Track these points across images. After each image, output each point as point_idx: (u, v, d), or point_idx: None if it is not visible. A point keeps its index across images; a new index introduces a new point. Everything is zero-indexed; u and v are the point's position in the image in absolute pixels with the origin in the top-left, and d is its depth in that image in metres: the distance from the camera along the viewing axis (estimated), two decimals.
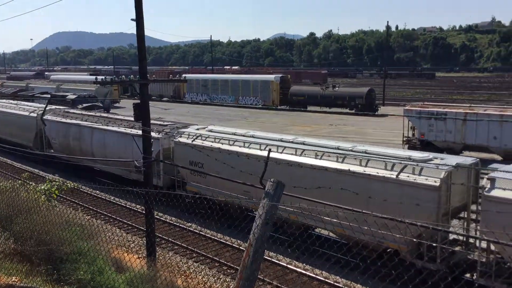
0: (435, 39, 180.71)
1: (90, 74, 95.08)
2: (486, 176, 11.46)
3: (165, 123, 23.36)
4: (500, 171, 11.51)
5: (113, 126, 23.09)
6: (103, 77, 64.01)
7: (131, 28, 12.91)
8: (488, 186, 11.11)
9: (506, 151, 25.83)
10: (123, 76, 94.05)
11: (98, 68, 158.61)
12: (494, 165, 12.93)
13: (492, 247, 11.76)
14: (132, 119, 14.13)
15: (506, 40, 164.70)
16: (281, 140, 17.21)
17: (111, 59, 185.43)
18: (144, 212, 14.25)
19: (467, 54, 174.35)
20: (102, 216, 19.84)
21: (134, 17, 12.36)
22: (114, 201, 21.71)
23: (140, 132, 13.50)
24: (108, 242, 9.49)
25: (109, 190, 21.75)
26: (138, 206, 20.31)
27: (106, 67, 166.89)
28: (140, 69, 12.86)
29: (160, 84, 69.86)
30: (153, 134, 18.15)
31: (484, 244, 12.11)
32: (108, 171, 23.69)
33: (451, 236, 13.58)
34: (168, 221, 18.93)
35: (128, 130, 20.42)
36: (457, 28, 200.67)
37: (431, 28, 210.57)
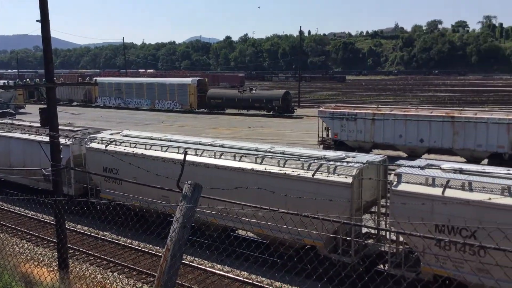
0: (344, 44, 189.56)
1: None
2: (393, 172, 12.16)
3: (76, 129, 22.26)
4: (406, 166, 12.28)
5: (18, 133, 21.58)
6: (6, 81, 59.70)
7: (37, 30, 12.18)
8: (395, 181, 11.80)
9: (410, 148, 27.68)
10: (27, 80, 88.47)
11: (0, 72, 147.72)
12: (400, 162, 13.77)
13: (401, 238, 12.51)
14: (39, 125, 13.28)
15: (408, 45, 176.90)
16: (199, 143, 17.09)
17: (15, 62, 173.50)
18: (54, 222, 13.44)
19: (374, 58, 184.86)
20: (9, 229, 18.43)
21: (39, 18, 11.67)
22: (20, 212, 20.27)
23: (48, 138, 12.71)
24: (14, 256, 8.82)
25: (14, 201, 20.29)
26: (47, 217, 19.13)
27: (9, 71, 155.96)
28: (46, 72, 12.13)
29: (70, 88, 66.57)
30: (62, 140, 17.21)
31: (394, 236, 12.85)
32: (14, 181, 22.10)
33: (364, 230, 14.27)
34: (81, 231, 18.02)
35: (35, 137, 19.17)
36: (364, 33, 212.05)
37: (340, 34, 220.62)
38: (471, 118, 25.45)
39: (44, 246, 16.83)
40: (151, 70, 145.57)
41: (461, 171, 11.47)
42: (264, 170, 13.90)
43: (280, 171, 13.74)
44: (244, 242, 14.81)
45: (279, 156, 14.49)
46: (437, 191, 10.95)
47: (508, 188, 10.18)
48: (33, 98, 67.30)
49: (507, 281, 8.73)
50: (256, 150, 15.44)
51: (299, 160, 13.84)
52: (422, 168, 12.15)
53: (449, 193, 10.77)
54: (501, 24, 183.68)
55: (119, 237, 17.20)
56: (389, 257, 12.29)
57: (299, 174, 13.28)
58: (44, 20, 11.63)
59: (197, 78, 62.77)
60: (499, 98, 69.13)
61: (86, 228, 18.27)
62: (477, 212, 10.20)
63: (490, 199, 9.75)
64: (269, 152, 15.14)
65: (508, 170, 11.38)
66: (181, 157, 15.53)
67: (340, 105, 33.86)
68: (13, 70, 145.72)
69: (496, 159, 24.61)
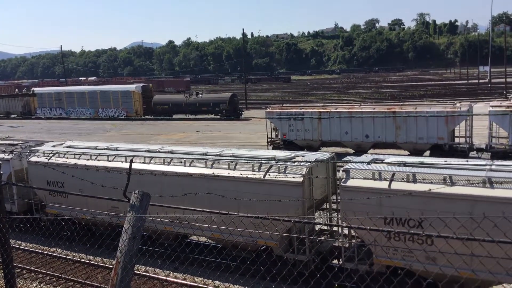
0: (287, 45, 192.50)
1: None
2: (342, 168, 12.46)
3: (16, 142, 21.27)
4: (353, 162, 12.63)
5: None
6: None
7: None
8: (344, 177, 12.10)
9: (357, 144, 28.49)
10: None
11: None
12: (348, 158, 14.13)
13: (353, 232, 12.84)
14: None
15: (349, 44, 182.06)
16: (147, 151, 16.77)
17: None
18: None
19: (317, 58, 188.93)
20: None
21: None
22: None
23: None
24: None
25: None
26: None
27: None
28: None
29: (7, 99, 63.50)
30: (1, 155, 16.40)
31: (346, 231, 13.17)
32: None
33: (317, 227, 14.53)
34: (28, 248, 17.24)
35: None
36: (306, 34, 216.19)
37: (283, 35, 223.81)
38: (411, 113, 26.53)
39: None
40: (93, 78, 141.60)
41: (405, 164, 11.92)
42: (213, 174, 13.86)
43: (230, 174, 13.74)
44: (197, 248, 14.69)
45: (229, 159, 14.48)
46: (384, 185, 11.33)
47: (449, 177, 10.69)
48: None
49: (450, 267, 9.17)
50: (205, 154, 15.36)
51: (249, 162, 13.90)
52: (368, 163, 12.53)
53: (395, 185, 11.17)
54: (434, 21, 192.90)
55: (68, 252, 16.60)
56: (342, 251, 12.58)
57: (249, 176, 13.34)
58: None
59: (142, 84, 61.70)
60: (436, 91, 72.55)
61: (33, 245, 17.50)
62: (421, 202, 10.65)
63: (430, 189, 10.21)
64: (219, 155, 15.10)
65: (446, 160, 11.96)
66: (126, 165, 15.21)
67: (287, 105, 34.32)
68: None
69: (437, 151, 25.81)
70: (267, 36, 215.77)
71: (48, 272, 15.10)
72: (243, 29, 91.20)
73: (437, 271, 9.48)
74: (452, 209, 9.99)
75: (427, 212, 10.41)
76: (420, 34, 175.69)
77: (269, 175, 13.23)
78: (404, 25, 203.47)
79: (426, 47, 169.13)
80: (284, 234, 12.81)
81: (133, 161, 14.34)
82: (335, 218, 14.69)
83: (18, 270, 14.75)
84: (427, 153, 26.55)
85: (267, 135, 31.10)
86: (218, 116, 51.38)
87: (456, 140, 27.04)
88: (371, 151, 27.42)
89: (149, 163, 15.47)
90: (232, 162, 14.26)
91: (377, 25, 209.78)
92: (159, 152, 16.45)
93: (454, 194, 10.29)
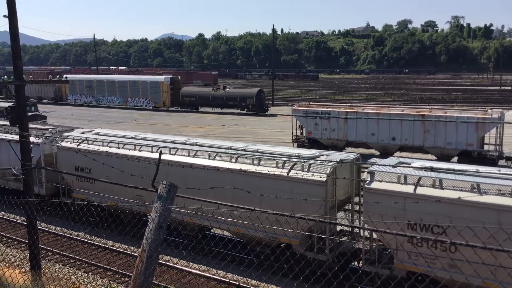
0: (317, 43, 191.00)
1: None
2: (366, 170, 12.36)
3: (46, 127, 21.78)
4: (378, 165, 12.50)
5: None
6: None
7: (4, 26, 11.88)
8: (368, 179, 11.99)
9: (383, 146, 28.15)
10: None
11: None
12: (373, 160, 14.00)
13: (374, 235, 12.73)
14: (8, 123, 12.98)
15: (380, 44, 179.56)
16: (173, 142, 16.96)
17: None
18: (25, 223, 13.16)
19: (346, 57, 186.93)
20: None
21: (6, 13, 11.39)
22: None
23: (17, 137, 12.42)
24: None
25: None
26: (18, 217, 18.70)
27: None
28: (14, 69, 11.85)
29: (40, 85, 65.04)
30: (32, 139, 16.84)
31: (367, 233, 13.05)
32: None
33: (338, 227, 14.44)
34: (53, 231, 17.68)
35: (4, 136, 18.71)
36: (336, 32, 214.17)
37: (313, 32, 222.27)
38: (441, 117, 26.06)
39: (15, 247, 16.45)
40: (123, 68, 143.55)
41: (432, 169, 11.74)
42: (239, 169, 13.92)
43: (255, 170, 13.78)
44: (221, 242, 14.79)
45: (253, 155, 14.51)
46: (409, 189, 11.18)
47: (477, 185, 10.48)
48: (1, 95, 65.54)
49: (476, 276, 8.99)
50: (230, 148, 15.43)
51: (274, 158, 13.91)
52: (394, 166, 12.38)
53: (421, 190, 11.01)
54: (468, 24, 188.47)
55: (93, 237, 16.96)
56: (363, 254, 12.49)
57: (274, 172, 13.35)
58: (12, 15, 11.37)
59: (170, 76, 62.24)
60: (468, 96, 70.97)
61: (58, 228, 17.94)
62: (448, 209, 10.47)
63: (459, 197, 10.02)
64: (244, 150, 15.16)
65: (477, 168, 11.71)
66: (155, 156, 15.42)
67: (313, 103, 34.15)
68: None
69: (466, 157, 25.29)
70: (297, 33, 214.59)
71: (71, 255, 15.48)
72: (273, 25, 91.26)
73: (463, 280, 9.31)
74: (480, 217, 9.80)
75: (454, 220, 10.23)
76: (453, 37, 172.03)
77: (294, 172, 13.21)
78: (438, 27, 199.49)
79: (459, 51, 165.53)
80: (306, 233, 12.78)
81: (160, 150, 14.55)
82: (357, 220, 14.58)
83: (43, 252, 15.15)
84: (455, 159, 26.06)
85: (292, 132, 31.03)
86: (244, 111, 51.48)
87: (486, 147, 26.45)
88: (397, 154, 27.07)
89: (175, 154, 15.64)
90: (256, 157, 14.29)
91: (409, 26, 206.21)
92: (185, 144, 16.61)
93: (482, 203, 10.09)
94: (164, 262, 14.30)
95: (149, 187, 5.39)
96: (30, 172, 12.09)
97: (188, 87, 63.80)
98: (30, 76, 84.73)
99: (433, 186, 10.99)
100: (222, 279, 13.43)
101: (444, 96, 72.24)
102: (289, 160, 13.61)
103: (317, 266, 12.77)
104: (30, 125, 13.77)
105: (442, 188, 10.83)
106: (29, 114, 33.70)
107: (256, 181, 13.61)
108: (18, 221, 18.45)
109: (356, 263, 13.44)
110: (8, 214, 19.42)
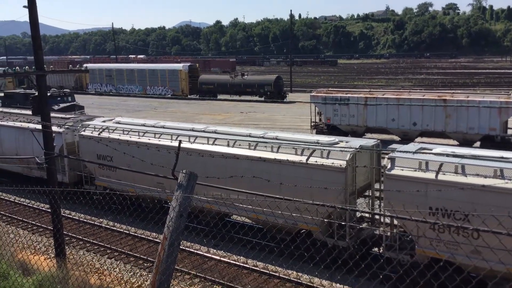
0: (335, 28, 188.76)
1: None
2: (387, 156, 12.22)
3: (68, 116, 22.09)
4: (399, 151, 12.34)
5: (9, 121, 21.39)
6: None
7: (24, 16, 12.02)
8: (389, 165, 11.87)
9: (403, 132, 27.81)
10: (17, 67, 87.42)
11: None
12: (393, 146, 13.83)
13: (395, 222, 12.63)
14: (30, 112, 13.19)
15: (400, 28, 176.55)
16: (192, 130, 17.04)
17: (3, 49, 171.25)
18: (49, 210, 13.43)
19: (365, 42, 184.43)
20: (4, 218, 18.41)
21: (26, 3, 11.50)
22: (16, 201, 20.22)
23: (39, 126, 12.63)
24: (11, 245, 8.83)
25: (9, 190, 20.21)
26: (42, 205, 19.11)
27: None
28: (36, 59, 11.99)
29: (60, 75, 65.90)
30: (54, 128, 17.09)
31: (388, 220, 12.97)
32: (7, 169, 21.99)
33: (358, 214, 14.39)
34: (77, 218, 18.03)
35: (27, 125, 19.03)
36: (355, 16, 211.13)
37: (331, 17, 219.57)
38: (463, 101, 25.58)
39: (40, 233, 16.84)
40: (142, 56, 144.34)
41: (454, 155, 11.56)
42: (259, 157, 13.92)
43: (274, 158, 13.77)
44: (241, 229, 14.87)
45: (272, 142, 14.49)
46: (431, 175, 11.04)
47: (500, 171, 10.29)
48: (23, 85, 66.64)
49: (499, 263, 8.87)
50: (249, 136, 15.43)
51: (293, 145, 13.87)
52: (415, 152, 12.22)
53: (443, 177, 10.86)
54: (491, 7, 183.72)
55: (115, 223, 17.24)
56: (384, 240, 12.42)
57: (293, 159, 13.32)
58: (32, 5, 11.48)
59: (188, 64, 62.37)
60: (490, 80, 69.45)
61: (81, 215, 18.29)
62: (471, 195, 10.32)
63: (483, 184, 9.86)
64: (263, 137, 15.14)
65: (501, 154, 11.49)
66: (174, 144, 15.53)
67: (332, 89, 33.85)
68: (2, 57, 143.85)
69: (488, 142, 24.84)
70: (315, 18, 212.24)
71: (95, 242, 15.78)
72: (290, 10, 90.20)
73: (486, 266, 9.21)
74: (504, 203, 9.64)
75: (477, 206, 10.08)
76: (475, 19, 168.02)
77: (313, 159, 13.15)
78: (459, 10, 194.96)
79: (482, 34, 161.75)
80: (326, 220, 12.76)
81: (179, 139, 14.64)
82: (377, 206, 14.48)
83: (67, 238, 15.47)
84: (477, 144, 25.62)
85: (311, 119, 30.85)
86: (263, 98, 51.35)
87: (509, 132, 25.91)
88: (418, 139, 26.73)
89: (194, 142, 15.72)
90: (275, 145, 14.27)
91: (430, 9, 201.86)
92: (204, 131, 16.68)
93: (506, 189, 9.91)
94: (186, 248, 14.48)
95: (169, 175, 5.45)
96: (53, 161, 12.30)
97: (206, 74, 63.89)
98: (51, 66, 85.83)
99: (455, 172, 10.83)
100: (242, 264, 13.54)
101: (466, 80, 70.82)
102: (308, 147, 13.56)
103: (338, 253, 12.76)
104: (52, 114, 13.96)
105: (465, 175, 10.67)
106: (66, 104, 32.18)
107: (275, 168, 13.60)
108: (42, 208, 18.84)
109: (376, 249, 13.40)
110: (33, 201, 19.85)
